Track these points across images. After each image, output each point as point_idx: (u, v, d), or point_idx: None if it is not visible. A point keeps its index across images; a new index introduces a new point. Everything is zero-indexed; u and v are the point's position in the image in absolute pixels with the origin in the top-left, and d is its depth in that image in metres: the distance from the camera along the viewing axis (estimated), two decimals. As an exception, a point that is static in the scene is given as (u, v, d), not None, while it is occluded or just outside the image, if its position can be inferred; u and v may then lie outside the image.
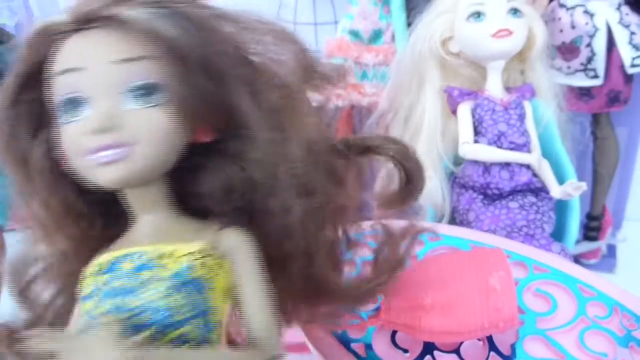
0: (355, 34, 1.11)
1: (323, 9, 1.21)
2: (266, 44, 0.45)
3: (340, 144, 0.50)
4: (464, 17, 0.85)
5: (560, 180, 0.88)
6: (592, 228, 1.15)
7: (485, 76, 0.89)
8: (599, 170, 1.09)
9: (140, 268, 0.40)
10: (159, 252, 0.41)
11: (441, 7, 0.88)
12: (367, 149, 0.50)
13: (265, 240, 0.44)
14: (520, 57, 0.89)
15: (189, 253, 0.41)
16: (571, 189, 0.82)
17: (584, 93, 1.00)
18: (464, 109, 0.88)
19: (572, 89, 1.00)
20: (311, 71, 0.46)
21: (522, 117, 0.88)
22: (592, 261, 1.12)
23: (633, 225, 1.25)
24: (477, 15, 0.84)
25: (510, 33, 0.84)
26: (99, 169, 0.39)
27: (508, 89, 0.90)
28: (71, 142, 0.39)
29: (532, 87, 0.90)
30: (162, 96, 0.39)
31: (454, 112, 0.89)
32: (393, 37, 1.10)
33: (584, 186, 0.82)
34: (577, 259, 1.10)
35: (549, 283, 0.61)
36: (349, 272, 0.53)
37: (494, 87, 0.89)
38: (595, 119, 1.04)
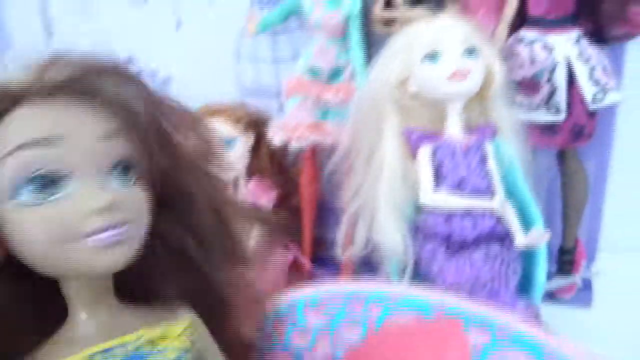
0: (314, 71, 1.07)
1: (282, 45, 1.17)
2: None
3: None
4: (419, 59, 0.82)
5: (526, 223, 0.85)
6: (565, 262, 1.12)
7: (445, 116, 0.86)
8: (569, 204, 1.07)
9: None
10: (148, 338, 0.38)
11: (396, 47, 0.85)
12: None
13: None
14: (480, 95, 0.86)
15: (184, 329, 0.39)
16: (535, 238, 0.79)
17: (548, 128, 0.98)
18: (424, 154, 0.84)
19: (535, 124, 0.97)
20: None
21: (483, 160, 0.85)
22: (568, 296, 1.08)
23: (607, 257, 1.22)
24: (432, 56, 0.81)
25: (467, 75, 0.81)
26: (99, 251, 0.35)
27: (469, 129, 0.87)
28: (54, 224, 0.34)
29: (493, 127, 0.87)
30: (135, 172, 0.37)
31: (415, 154, 0.86)
32: (353, 75, 1.07)
33: (548, 236, 0.79)
34: (552, 295, 1.07)
35: (513, 350, 0.57)
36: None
37: (454, 128, 0.85)
38: (562, 153, 1.02)
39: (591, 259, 1.20)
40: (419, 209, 0.85)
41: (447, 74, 0.81)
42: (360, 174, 0.91)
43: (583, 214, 1.07)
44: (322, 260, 1.15)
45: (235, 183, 1.17)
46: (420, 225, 0.85)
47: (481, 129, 0.87)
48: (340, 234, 0.91)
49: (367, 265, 0.89)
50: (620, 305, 1.02)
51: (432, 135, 0.85)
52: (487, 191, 0.84)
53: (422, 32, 0.83)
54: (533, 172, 0.94)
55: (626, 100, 1.01)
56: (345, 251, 0.91)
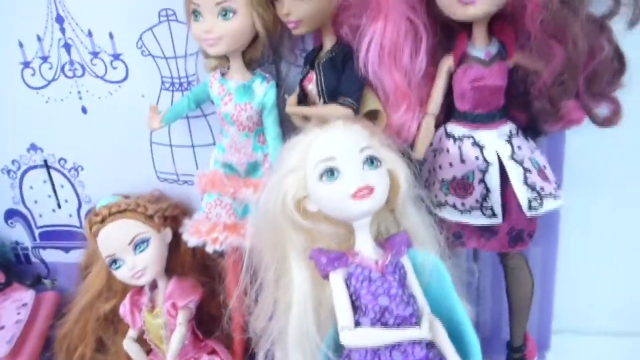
0: (229, 166, 0.97)
1: (199, 131, 1.07)
2: None
3: None
4: (316, 177, 0.72)
5: (460, 339, 0.75)
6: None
7: (352, 231, 0.76)
8: (514, 302, 0.97)
9: None
10: None
11: (288, 164, 0.75)
12: None
13: None
14: (388, 204, 0.76)
15: None
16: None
17: (485, 230, 0.88)
18: (337, 282, 0.74)
19: (471, 226, 0.87)
20: None
21: (402, 281, 0.75)
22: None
23: (561, 337, 1.13)
24: (330, 173, 0.71)
25: (372, 190, 0.71)
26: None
27: (381, 243, 0.77)
28: None
29: (407, 236, 0.77)
30: None
31: (326, 277, 0.75)
32: (272, 169, 0.96)
33: None
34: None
35: None
36: None
37: (365, 247, 0.75)
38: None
39: (545, 346, 1.11)
40: (338, 346, 0.75)
41: (350, 191, 0.71)
42: (270, 298, 0.80)
43: (530, 310, 0.98)
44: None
45: (154, 285, 1.06)
46: (342, 362, 0.74)
47: (394, 242, 0.76)
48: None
49: None
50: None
51: (342, 256, 0.75)
52: (413, 317, 0.74)
53: (315, 146, 0.73)
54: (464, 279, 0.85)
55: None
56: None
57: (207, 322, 1.08)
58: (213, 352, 1.08)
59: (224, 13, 0.84)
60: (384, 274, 0.74)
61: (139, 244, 1.01)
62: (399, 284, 0.74)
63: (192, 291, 1.06)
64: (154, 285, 1.06)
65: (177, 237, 1.06)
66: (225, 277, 1.02)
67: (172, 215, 1.07)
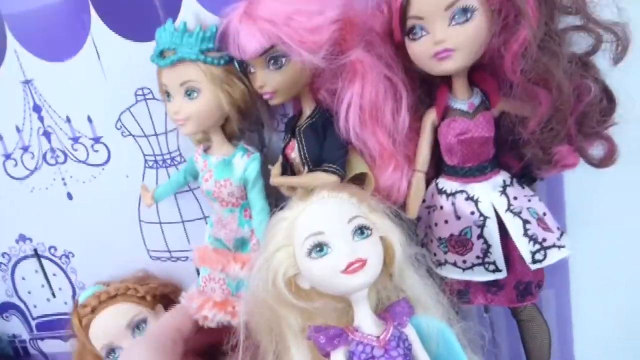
0: (219, 241, 0.93)
1: (188, 206, 1.04)
2: None
3: None
4: (305, 253, 0.68)
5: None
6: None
7: (350, 304, 0.72)
8: (532, 353, 0.91)
9: None
10: None
11: (275, 241, 0.71)
12: None
13: None
14: (385, 271, 0.72)
15: None
16: None
17: (491, 284, 0.83)
18: (338, 361, 0.69)
19: (475, 282, 0.83)
20: None
21: (407, 354, 0.70)
22: None
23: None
24: (319, 248, 0.68)
25: (364, 262, 0.67)
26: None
27: (381, 315, 0.73)
28: None
29: (407, 304, 0.73)
30: None
31: (327, 356, 0.71)
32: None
33: None
34: None
35: None
36: None
37: (365, 322, 0.71)
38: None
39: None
40: None
41: (341, 267, 0.67)
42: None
43: (550, 358, 0.92)
44: None
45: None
46: None
47: (395, 313, 0.72)
48: None
49: None
50: None
51: (342, 333, 0.70)
52: (424, 394, 0.69)
53: (301, 220, 0.70)
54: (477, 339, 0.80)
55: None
56: None
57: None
58: None
59: (189, 93, 0.82)
60: (387, 350, 0.70)
61: (138, 325, 0.97)
62: (404, 358, 0.70)
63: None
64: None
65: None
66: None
67: (162, 294, 1.04)
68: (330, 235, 0.69)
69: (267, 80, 0.78)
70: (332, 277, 0.68)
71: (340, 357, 0.71)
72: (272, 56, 0.76)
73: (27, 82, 1.03)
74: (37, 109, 1.05)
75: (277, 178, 0.85)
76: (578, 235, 0.87)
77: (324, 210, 0.71)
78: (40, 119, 1.05)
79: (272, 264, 0.72)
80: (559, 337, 1.02)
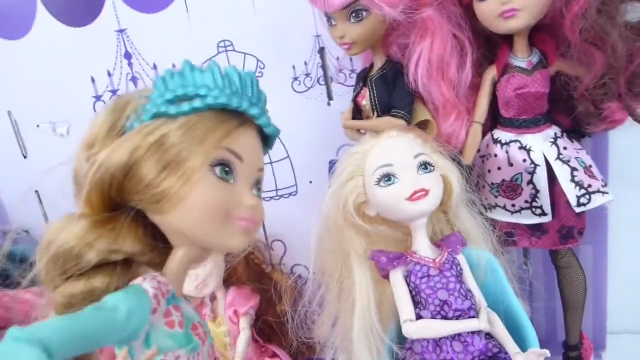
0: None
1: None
2: None
3: None
4: (374, 182, 0.78)
5: (517, 332, 0.79)
6: (572, 358, 1.04)
7: (410, 233, 0.81)
8: (568, 300, 1.00)
9: None
10: None
11: (347, 172, 0.81)
12: None
13: None
14: (442, 207, 0.82)
15: None
16: (534, 358, 0.73)
17: (536, 228, 0.92)
18: (397, 279, 0.79)
19: (522, 225, 0.92)
20: None
21: (459, 277, 0.79)
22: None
23: (617, 338, 1.15)
24: (387, 178, 0.77)
25: (427, 192, 0.77)
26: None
27: (437, 244, 0.82)
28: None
29: (461, 236, 0.82)
30: None
31: (386, 277, 0.81)
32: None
33: (547, 353, 0.73)
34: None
35: None
36: None
37: (422, 247, 0.81)
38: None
39: (601, 346, 1.13)
40: (402, 336, 0.80)
41: (406, 194, 0.76)
42: (334, 307, 0.86)
43: (584, 307, 1.00)
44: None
45: (213, 297, 1.13)
46: (405, 356, 0.79)
47: (449, 241, 0.81)
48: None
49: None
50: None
51: (401, 256, 0.80)
52: (471, 310, 0.78)
53: (372, 154, 0.79)
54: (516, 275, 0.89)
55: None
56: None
57: (265, 328, 1.14)
58: (274, 355, 1.13)
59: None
60: (442, 271, 0.79)
61: None
62: (456, 279, 0.79)
63: (250, 298, 1.12)
64: (213, 297, 1.13)
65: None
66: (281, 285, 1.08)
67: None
68: (398, 167, 0.78)
69: (347, 32, 0.88)
70: (398, 203, 0.78)
71: (399, 276, 0.80)
72: (355, 9, 0.85)
73: (121, 31, 1.15)
74: (127, 55, 1.16)
75: (348, 121, 0.95)
76: (618, 194, 0.94)
77: (394, 146, 0.81)
78: (130, 65, 1.17)
79: (344, 191, 0.81)
80: (595, 294, 1.09)
